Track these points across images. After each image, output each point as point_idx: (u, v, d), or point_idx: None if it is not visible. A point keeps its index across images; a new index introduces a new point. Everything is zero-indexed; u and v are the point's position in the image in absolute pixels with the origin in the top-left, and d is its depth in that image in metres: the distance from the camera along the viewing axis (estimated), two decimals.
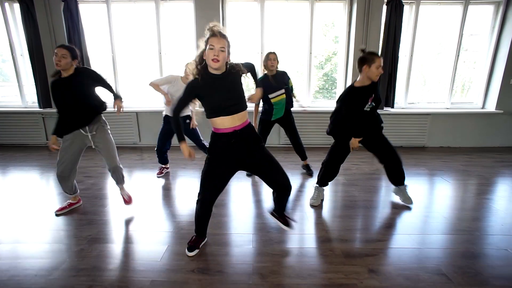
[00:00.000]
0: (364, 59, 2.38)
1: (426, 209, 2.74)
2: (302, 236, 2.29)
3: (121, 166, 2.63)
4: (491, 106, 4.84)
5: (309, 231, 2.36)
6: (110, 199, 2.92)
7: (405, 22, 4.57)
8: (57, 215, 2.55)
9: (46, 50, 4.58)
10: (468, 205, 2.83)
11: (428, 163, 4.11)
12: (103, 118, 2.59)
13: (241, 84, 1.86)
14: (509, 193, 3.12)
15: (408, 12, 4.66)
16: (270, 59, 3.19)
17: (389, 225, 2.47)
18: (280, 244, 2.16)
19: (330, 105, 5.07)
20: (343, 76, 4.88)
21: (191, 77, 1.84)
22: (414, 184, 3.33)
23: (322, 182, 2.82)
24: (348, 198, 2.96)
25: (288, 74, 3.39)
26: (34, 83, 4.71)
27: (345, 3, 4.64)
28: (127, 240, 2.21)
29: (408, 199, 2.80)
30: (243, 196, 3.03)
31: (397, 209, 2.73)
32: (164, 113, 3.42)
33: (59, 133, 2.44)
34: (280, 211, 2.21)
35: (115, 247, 2.12)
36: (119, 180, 2.67)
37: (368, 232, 2.36)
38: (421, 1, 4.56)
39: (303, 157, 3.63)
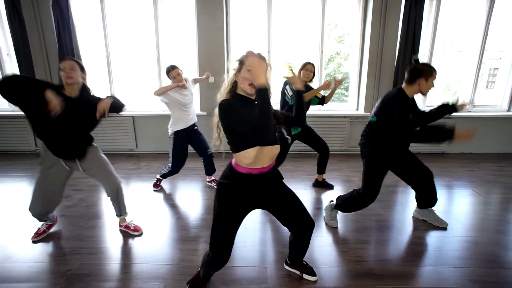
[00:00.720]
0: (420, 71, 2.02)
1: (467, 232, 2.36)
2: (328, 269, 1.90)
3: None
4: None
5: (335, 263, 1.98)
6: (100, 219, 2.53)
7: (425, 19, 4.19)
8: (34, 242, 2.17)
9: (34, 49, 4.21)
10: None
11: (452, 172, 3.73)
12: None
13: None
14: None
15: (428, 8, 4.28)
16: (307, 69, 2.84)
17: (428, 254, 2.09)
18: (301, 282, 1.78)
19: (340, 108, 4.70)
20: (357, 75, 4.51)
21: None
22: (443, 198, 2.96)
23: (346, 209, 2.39)
24: (374, 218, 2.58)
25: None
26: None
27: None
28: (115, 278, 1.82)
29: (442, 222, 2.43)
30: (253, 218, 2.63)
31: (432, 231, 2.35)
32: (172, 129, 2.96)
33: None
34: (300, 259, 1.81)
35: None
36: (122, 208, 2.29)
37: (404, 263, 1.98)
38: None
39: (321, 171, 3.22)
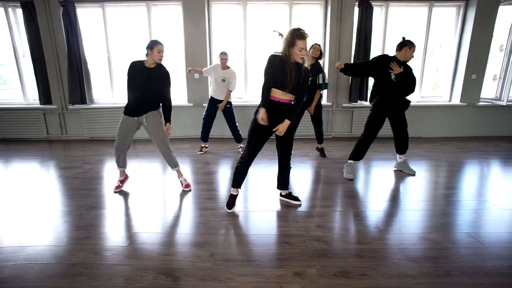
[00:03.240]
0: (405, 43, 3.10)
1: (380, 182, 3.18)
2: (279, 199, 2.71)
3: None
4: (456, 99, 5.28)
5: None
6: (104, 179, 3.35)
7: (377, 22, 5.01)
8: (115, 192, 2.95)
9: (46, 51, 4.98)
10: (419, 183, 3.26)
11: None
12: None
13: (299, 79, 2.29)
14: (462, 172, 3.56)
15: (379, 13, 5.09)
16: (314, 48, 3.78)
17: (341, 195, 2.89)
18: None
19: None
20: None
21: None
22: (380, 166, 3.77)
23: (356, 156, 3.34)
24: (315, 176, 3.40)
25: (325, 72, 3.97)
26: (35, 82, 5.11)
27: (321, 6, 5.07)
28: (120, 208, 2.63)
29: (411, 170, 3.48)
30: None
31: (353, 185, 3.16)
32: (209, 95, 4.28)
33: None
34: (285, 183, 2.68)
35: (109, 212, 2.53)
36: (171, 164, 2.99)
37: (323, 199, 2.78)
38: (390, 3, 5.00)
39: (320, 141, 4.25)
